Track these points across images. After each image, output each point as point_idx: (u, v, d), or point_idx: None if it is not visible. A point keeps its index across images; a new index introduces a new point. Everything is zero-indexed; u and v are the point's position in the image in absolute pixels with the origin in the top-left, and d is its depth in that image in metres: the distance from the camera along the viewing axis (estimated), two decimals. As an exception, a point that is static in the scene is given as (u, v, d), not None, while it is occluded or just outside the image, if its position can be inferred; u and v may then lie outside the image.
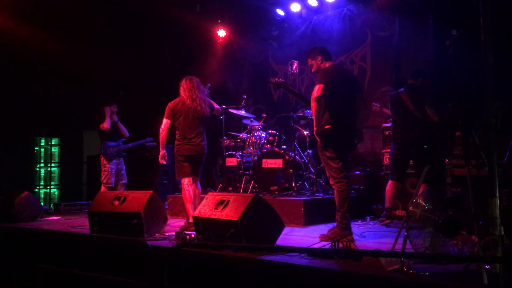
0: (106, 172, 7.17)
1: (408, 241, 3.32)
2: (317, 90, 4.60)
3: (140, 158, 8.80)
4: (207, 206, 4.45)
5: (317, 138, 4.71)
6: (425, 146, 5.33)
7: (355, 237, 4.63)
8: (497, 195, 2.67)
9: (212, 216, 4.28)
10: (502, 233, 2.65)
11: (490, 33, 2.76)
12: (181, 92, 5.74)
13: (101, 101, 7.55)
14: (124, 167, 7.43)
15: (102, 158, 7.22)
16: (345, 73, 4.95)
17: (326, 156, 4.65)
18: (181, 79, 5.79)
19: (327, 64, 4.84)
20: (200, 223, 4.44)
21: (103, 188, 7.09)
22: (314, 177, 6.77)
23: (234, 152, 7.27)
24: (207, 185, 7.79)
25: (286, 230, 4.57)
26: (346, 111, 4.68)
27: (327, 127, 4.61)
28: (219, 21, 9.58)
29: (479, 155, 3.25)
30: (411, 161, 5.64)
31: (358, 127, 4.75)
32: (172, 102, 5.81)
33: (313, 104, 4.62)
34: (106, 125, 7.25)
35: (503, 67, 4.20)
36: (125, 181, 7.40)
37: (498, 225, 2.64)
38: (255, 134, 7.12)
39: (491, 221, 2.66)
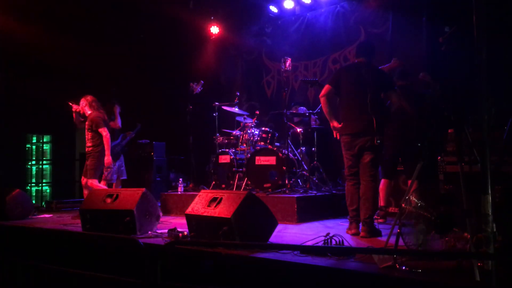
0: (109, 169, 7.20)
1: (400, 238, 3.32)
2: (323, 89, 4.93)
3: (133, 156, 8.77)
4: (200, 204, 4.44)
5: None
6: (419, 144, 5.31)
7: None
8: (490, 191, 2.67)
9: (205, 214, 4.26)
10: (495, 229, 2.66)
11: (483, 29, 2.76)
12: (95, 108, 6.69)
13: (109, 98, 7.61)
14: (123, 164, 7.51)
15: None
16: (360, 72, 4.80)
17: (342, 153, 4.90)
18: (84, 97, 6.79)
19: (355, 61, 4.98)
20: (193, 220, 4.42)
21: (103, 183, 7.13)
22: (308, 174, 6.77)
23: (227, 149, 7.25)
24: (200, 183, 7.78)
25: (279, 227, 4.56)
26: (357, 111, 4.70)
27: (339, 125, 4.84)
28: (212, 17, 9.54)
29: (472, 151, 3.25)
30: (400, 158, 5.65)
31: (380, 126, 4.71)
32: (102, 115, 6.69)
33: (321, 102, 4.94)
34: (118, 124, 7.41)
35: (496, 63, 4.20)
36: (124, 177, 7.51)
37: (490, 221, 2.65)
38: (248, 131, 7.10)
39: (484, 218, 2.67)
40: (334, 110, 4.93)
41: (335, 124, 4.86)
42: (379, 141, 4.67)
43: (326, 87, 4.90)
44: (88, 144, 6.61)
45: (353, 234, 4.66)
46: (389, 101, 5.20)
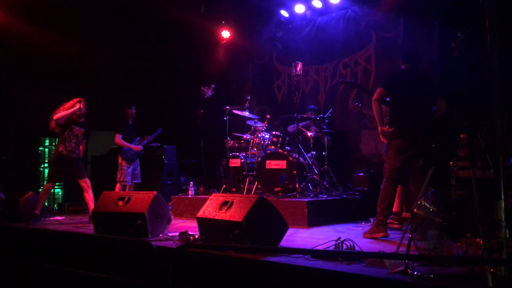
0: (122, 171, 7.38)
1: (412, 243, 3.31)
2: (376, 92, 4.90)
3: (144, 159, 8.82)
4: (211, 207, 4.46)
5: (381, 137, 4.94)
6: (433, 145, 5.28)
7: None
8: (502, 197, 2.66)
9: (216, 217, 4.28)
10: (507, 235, 2.65)
11: (495, 34, 2.76)
12: None
13: (121, 103, 7.72)
14: (139, 167, 7.60)
15: (120, 157, 7.40)
16: (413, 78, 4.90)
17: (387, 155, 4.87)
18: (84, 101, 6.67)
19: (402, 67, 5.02)
20: (204, 223, 4.44)
21: (118, 186, 7.29)
22: (318, 178, 6.76)
23: (237, 153, 7.27)
24: (210, 186, 7.81)
25: (290, 231, 4.57)
26: (410, 116, 4.76)
27: (389, 129, 4.84)
28: (223, 22, 9.58)
29: (484, 157, 3.24)
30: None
31: (432, 132, 4.80)
32: None
33: (373, 105, 4.93)
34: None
35: (508, 68, 4.19)
36: (138, 181, 7.58)
37: (503, 227, 2.64)
38: (259, 135, 7.12)
39: (496, 224, 2.66)
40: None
41: (385, 129, 4.88)
42: (433, 145, 4.75)
43: (380, 91, 4.88)
44: (81, 148, 6.70)
45: (383, 237, 4.64)
46: (435, 106, 5.18)
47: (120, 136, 7.41)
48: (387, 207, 4.73)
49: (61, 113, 6.51)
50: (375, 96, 4.89)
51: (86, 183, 6.54)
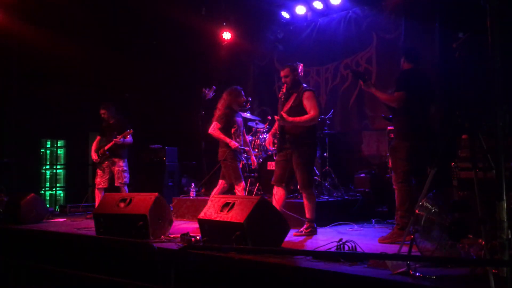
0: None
1: (414, 244, 3.30)
2: (397, 99, 4.67)
3: (146, 160, 8.83)
4: (212, 208, 4.46)
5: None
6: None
7: (369, 239, 4.65)
8: (504, 198, 2.66)
9: (218, 219, 4.28)
10: (510, 236, 2.64)
11: (497, 35, 2.76)
12: None
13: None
14: (117, 168, 7.26)
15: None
16: (422, 78, 4.82)
17: (396, 157, 4.71)
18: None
19: (407, 67, 4.88)
20: (205, 225, 4.44)
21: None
22: (319, 179, 6.76)
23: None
24: (212, 188, 7.79)
25: (292, 232, 4.57)
26: (421, 117, 4.68)
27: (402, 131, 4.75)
28: (224, 23, 9.59)
29: (486, 158, 3.23)
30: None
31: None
32: None
33: (394, 112, 4.86)
34: None
35: (510, 69, 4.19)
36: (117, 183, 7.23)
37: (505, 228, 2.63)
38: (260, 136, 7.12)
39: (499, 225, 2.66)
40: None
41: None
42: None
43: (403, 96, 4.63)
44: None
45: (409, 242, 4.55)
46: None
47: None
48: (408, 209, 4.47)
49: (224, 108, 6.02)
50: (396, 103, 4.66)
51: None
